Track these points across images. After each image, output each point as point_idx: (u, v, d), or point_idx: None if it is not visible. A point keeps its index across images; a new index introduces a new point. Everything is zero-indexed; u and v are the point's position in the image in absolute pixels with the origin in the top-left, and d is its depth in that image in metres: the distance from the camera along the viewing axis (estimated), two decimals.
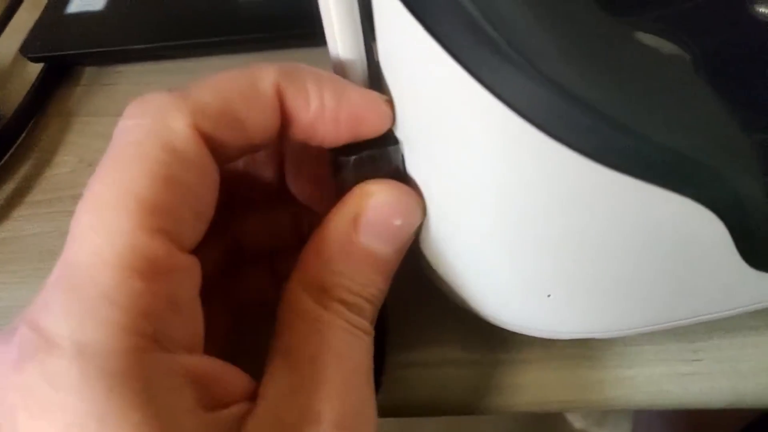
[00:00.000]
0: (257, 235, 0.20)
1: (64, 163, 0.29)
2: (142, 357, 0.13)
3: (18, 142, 0.30)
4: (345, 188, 0.17)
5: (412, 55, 0.15)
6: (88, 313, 0.12)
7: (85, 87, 0.32)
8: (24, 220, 0.27)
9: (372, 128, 0.16)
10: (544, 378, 0.20)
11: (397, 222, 0.16)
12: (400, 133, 0.17)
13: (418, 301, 0.21)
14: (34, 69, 0.32)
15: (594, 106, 0.13)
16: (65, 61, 0.32)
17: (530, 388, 0.20)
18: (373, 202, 0.16)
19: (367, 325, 0.16)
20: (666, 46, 0.21)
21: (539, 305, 0.17)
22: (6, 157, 0.29)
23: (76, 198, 0.27)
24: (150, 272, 0.13)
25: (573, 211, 0.14)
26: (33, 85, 0.31)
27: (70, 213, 0.26)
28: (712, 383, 0.20)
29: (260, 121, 0.15)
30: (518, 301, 0.17)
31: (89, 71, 0.32)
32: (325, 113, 0.16)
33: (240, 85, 0.15)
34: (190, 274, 0.14)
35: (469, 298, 0.18)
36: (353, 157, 0.17)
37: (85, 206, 0.13)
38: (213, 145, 0.15)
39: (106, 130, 0.31)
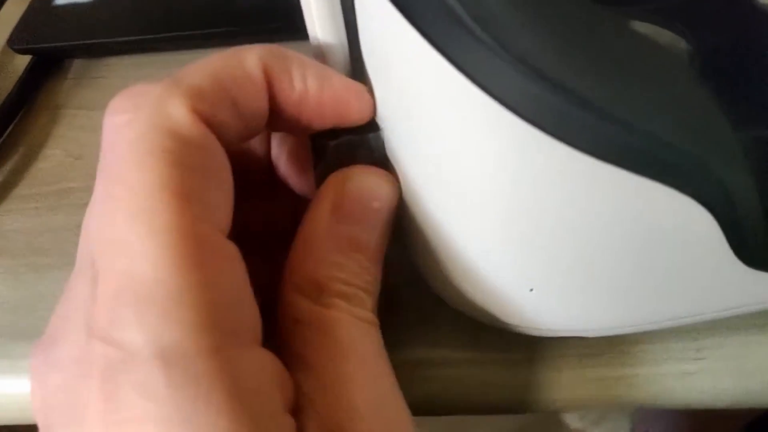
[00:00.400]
0: (256, 226, 0.19)
1: (51, 157, 0.28)
2: (226, 355, 0.12)
3: (5, 135, 0.29)
4: (325, 176, 0.16)
5: (391, 43, 0.14)
6: (162, 318, 0.12)
7: (74, 80, 0.31)
8: (9, 215, 0.26)
9: (355, 115, 0.16)
10: (544, 377, 0.19)
11: (376, 204, 0.16)
12: (381, 121, 0.17)
13: (416, 299, 0.20)
14: (22, 61, 0.31)
15: (573, 90, 0.12)
16: (53, 53, 0.31)
17: (529, 387, 0.20)
18: (348, 188, 0.16)
19: (371, 316, 0.16)
20: (663, 36, 0.21)
21: (523, 300, 0.16)
22: None
23: (62, 192, 0.27)
24: (209, 265, 0.12)
25: (556, 202, 0.14)
26: (20, 77, 0.30)
27: (56, 207, 0.26)
28: (715, 382, 0.19)
29: (253, 103, 0.15)
30: (501, 295, 0.16)
31: (78, 64, 0.32)
32: (309, 96, 0.15)
33: (229, 67, 0.15)
34: (239, 259, 0.14)
35: (453, 292, 0.17)
36: (332, 143, 0.16)
37: (115, 212, 0.13)
38: (214, 130, 0.14)
39: (95, 123, 0.30)
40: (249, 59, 0.15)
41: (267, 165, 0.19)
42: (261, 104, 0.15)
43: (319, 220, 0.16)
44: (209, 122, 0.14)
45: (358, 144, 0.17)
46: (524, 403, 0.20)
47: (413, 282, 0.19)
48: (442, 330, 0.20)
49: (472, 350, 0.20)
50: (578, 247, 0.15)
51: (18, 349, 0.22)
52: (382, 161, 0.17)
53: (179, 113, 0.13)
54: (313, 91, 0.15)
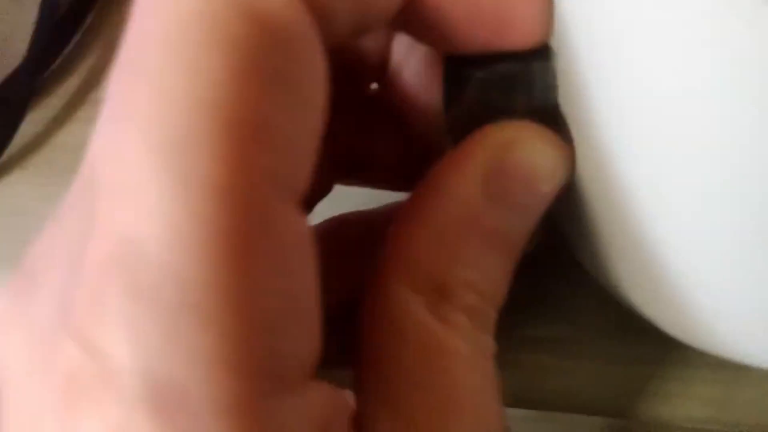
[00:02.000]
0: (340, 150, 0.15)
1: None
2: (261, 408, 0.08)
3: (84, 26, 0.27)
4: (463, 122, 0.12)
5: None
6: (170, 335, 0.08)
7: None
8: (87, 122, 0.25)
9: (520, 35, 0.11)
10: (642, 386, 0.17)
11: (544, 189, 0.12)
12: (560, 46, 0.11)
13: None
14: None
15: None
16: None
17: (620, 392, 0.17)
18: (512, 159, 0.11)
19: (492, 343, 0.12)
20: None
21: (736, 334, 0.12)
22: (71, 46, 0.27)
23: None
24: (265, 259, 0.08)
25: None
26: None
27: None
28: None
29: None
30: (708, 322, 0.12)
31: None
32: None
33: None
34: (310, 248, 0.09)
35: (667, 319, 0.13)
36: (480, 73, 0.12)
37: (132, 136, 0.08)
38: (316, 18, 0.09)
39: None
40: None
41: (377, 73, 0.14)
42: None
43: (463, 197, 0.11)
44: (312, 4, 0.09)
45: (517, 78, 0.12)
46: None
47: None
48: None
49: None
50: None
51: None
52: (545, 108, 0.12)
53: None
54: None
